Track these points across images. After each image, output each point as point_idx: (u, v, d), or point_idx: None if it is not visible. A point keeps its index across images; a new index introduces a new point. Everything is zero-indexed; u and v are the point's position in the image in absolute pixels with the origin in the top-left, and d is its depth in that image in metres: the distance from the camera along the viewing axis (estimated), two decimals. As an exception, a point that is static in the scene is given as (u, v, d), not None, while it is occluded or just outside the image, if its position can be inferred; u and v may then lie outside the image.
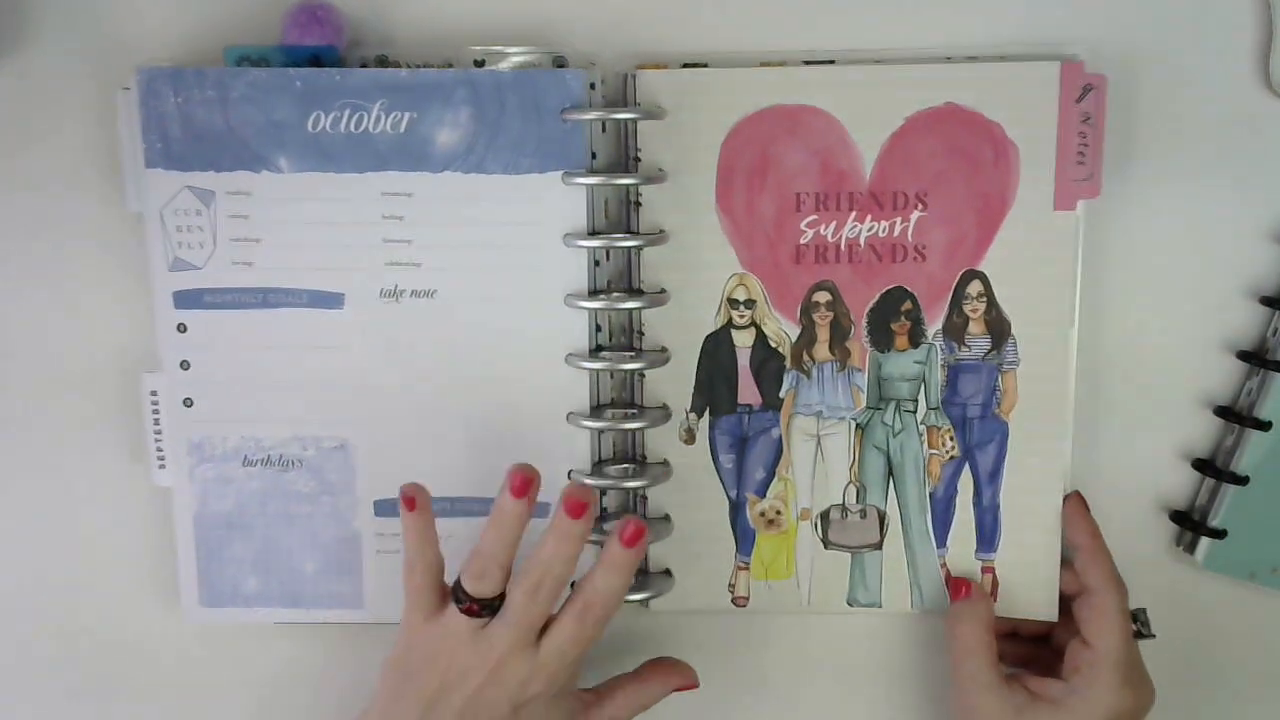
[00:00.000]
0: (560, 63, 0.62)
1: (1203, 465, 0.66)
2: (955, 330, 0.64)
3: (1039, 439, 0.64)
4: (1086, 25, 0.63)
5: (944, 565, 0.66)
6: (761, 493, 0.66)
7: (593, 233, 0.62)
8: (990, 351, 0.64)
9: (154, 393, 0.64)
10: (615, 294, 0.63)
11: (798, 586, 0.66)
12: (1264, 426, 0.64)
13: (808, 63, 0.62)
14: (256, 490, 0.64)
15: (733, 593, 0.66)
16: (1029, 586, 0.65)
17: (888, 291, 0.64)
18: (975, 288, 0.63)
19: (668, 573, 0.66)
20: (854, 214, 0.63)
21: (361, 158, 0.61)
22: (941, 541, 0.65)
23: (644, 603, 0.65)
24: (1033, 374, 0.63)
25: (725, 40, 0.63)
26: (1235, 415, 0.65)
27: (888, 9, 0.63)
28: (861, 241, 0.63)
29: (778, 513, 0.66)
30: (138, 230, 0.63)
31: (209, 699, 0.69)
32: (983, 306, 0.63)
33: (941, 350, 0.64)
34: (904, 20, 0.63)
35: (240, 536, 0.64)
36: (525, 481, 0.58)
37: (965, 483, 0.65)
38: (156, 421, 0.64)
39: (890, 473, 0.65)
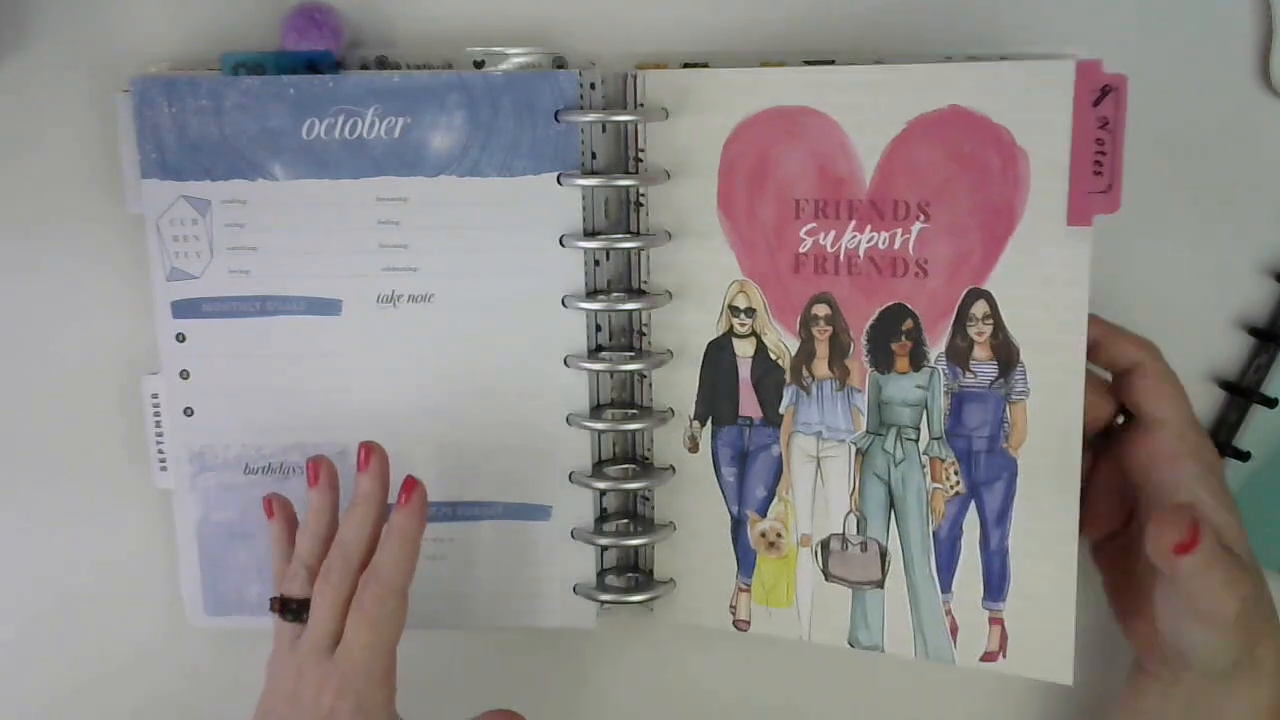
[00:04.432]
0: (560, 63, 0.62)
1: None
2: (959, 354, 0.58)
3: (1051, 479, 0.57)
4: (1085, 25, 0.62)
5: (949, 613, 0.60)
6: (763, 511, 0.63)
7: (591, 233, 0.62)
8: (997, 379, 0.58)
9: (155, 395, 0.64)
10: (615, 295, 0.62)
11: (798, 618, 0.63)
12: (1270, 403, 0.63)
13: (808, 62, 0.61)
14: (258, 498, 0.63)
15: (734, 614, 0.64)
16: (1041, 640, 0.59)
17: (888, 308, 0.59)
18: (980, 308, 0.58)
19: (672, 582, 0.65)
20: (853, 223, 0.59)
21: (356, 163, 0.61)
22: (946, 586, 0.60)
23: (645, 604, 0.65)
24: (1044, 407, 0.57)
25: (725, 40, 0.63)
26: (1241, 391, 0.64)
27: (888, 8, 0.63)
28: (861, 253, 0.59)
29: (779, 535, 0.63)
30: (138, 231, 0.63)
31: (213, 706, 0.69)
32: (989, 329, 0.57)
33: (945, 375, 0.59)
34: (907, 20, 0.63)
35: (243, 544, 0.64)
36: (314, 468, 0.58)
37: (972, 522, 0.59)
38: (158, 424, 0.65)
39: (891, 505, 0.61)
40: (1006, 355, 0.57)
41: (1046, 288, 0.56)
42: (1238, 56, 0.62)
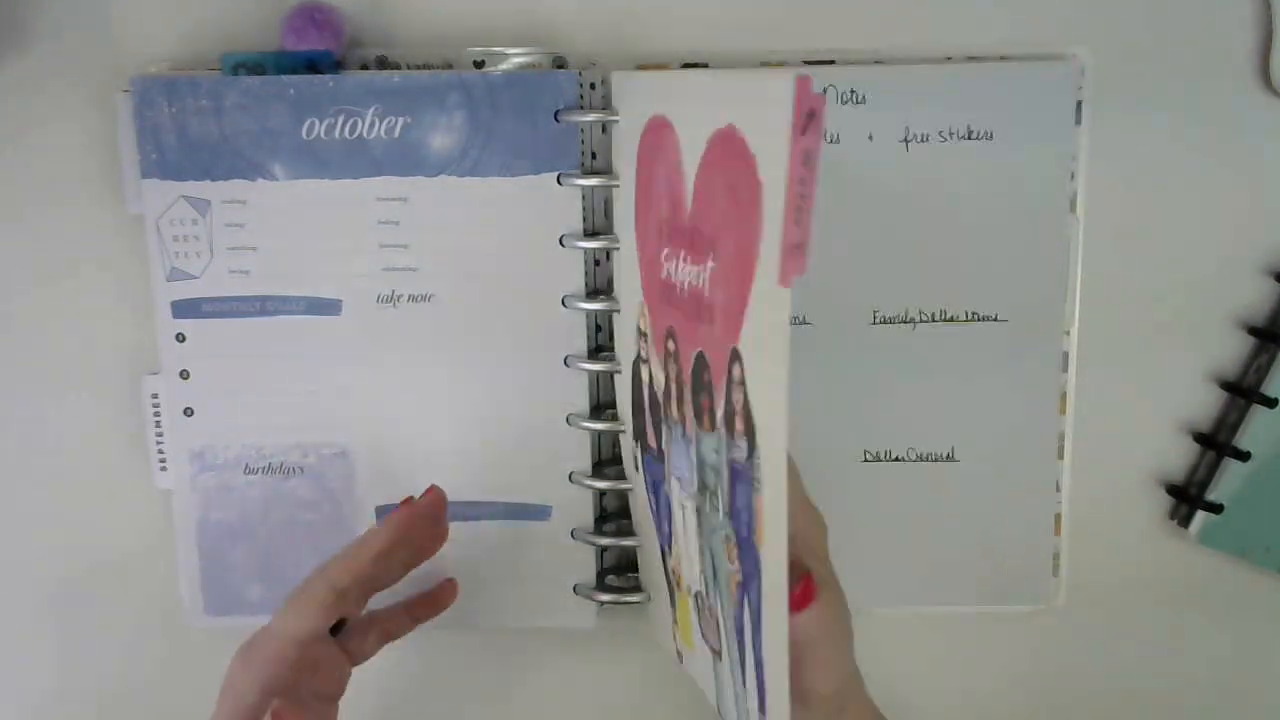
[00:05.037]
0: (560, 63, 0.62)
1: (1204, 440, 0.66)
2: (730, 420, 0.46)
3: (775, 589, 0.45)
4: (1085, 24, 0.62)
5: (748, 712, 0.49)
6: (668, 547, 0.57)
7: (591, 233, 0.62)
8: (748, 457, 0.45)
9: (155, 395, 0.64)
10: (615, 295, 0.62)
11: (698, 664, 0.56)
12: (1270, 403, 0.64)
13: (808, 62, 0.61)
14: (258, 498, 0.64)
15: (675, 643, 0.59)
16: None
17: (699, 355, 0.48)
18: (737, 371, 0.44)
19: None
20: (682, 252, 0.49)
21: (356, 163, 0.61)
22: (741, 680, 0.49)
23: (645, 604, 0.64)
24: (770, 502, 0.44)
25: (725, 40, 0.63)
26: (1241, 391, 0.64)
27: (889, 8, 0.62)
28: (685, 288, 0.48)
29: (679, 577, 0.56)
30: (138, 231, 0.63)
31: (213, 706, 0.69)
32: (741, 398, 0.44)
33: (726, 442, 0.47)
34: (909, 20, 0.62)
35: (243, 545, 0.64)
36: (406, 502, 0.58)
37: (746, 619, 0.47)
38: (158, 424, 0.65)
39: (716, 576, 0.50)
40: (750, 432, 0.44)
41: (763, 361, 0.43)
42: (1238, 56, 0.63)
